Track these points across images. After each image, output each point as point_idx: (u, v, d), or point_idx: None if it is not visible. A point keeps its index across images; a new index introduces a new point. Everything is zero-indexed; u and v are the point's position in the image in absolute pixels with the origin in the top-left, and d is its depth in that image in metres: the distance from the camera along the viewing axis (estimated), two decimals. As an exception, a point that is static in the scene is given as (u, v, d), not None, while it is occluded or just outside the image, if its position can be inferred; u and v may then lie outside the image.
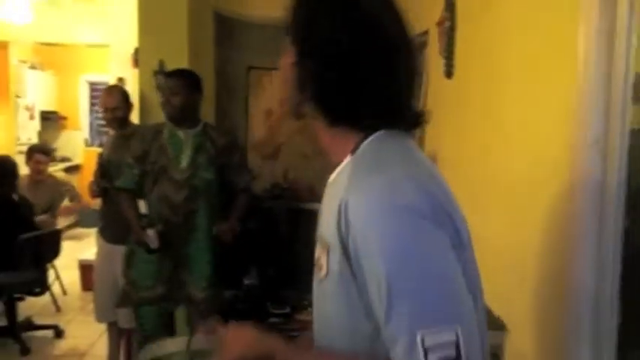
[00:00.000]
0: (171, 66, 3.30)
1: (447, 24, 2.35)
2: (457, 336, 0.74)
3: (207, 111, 3.22)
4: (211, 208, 2.71)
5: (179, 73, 2.69)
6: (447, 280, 0.79)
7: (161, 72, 2.68)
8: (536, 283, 1.62)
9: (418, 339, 0.74)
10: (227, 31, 3.61)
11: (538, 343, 1.62)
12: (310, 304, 3.11)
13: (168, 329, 2.80)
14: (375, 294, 0.78)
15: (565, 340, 1.41)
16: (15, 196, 3.89)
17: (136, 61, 3.83)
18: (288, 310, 3.25)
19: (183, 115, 2.63)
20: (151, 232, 2.59)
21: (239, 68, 3.67)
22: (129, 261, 2.77)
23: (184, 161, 2.65)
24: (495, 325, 1.79)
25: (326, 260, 0.86)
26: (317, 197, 3.51)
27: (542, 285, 1.60)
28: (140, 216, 2.72)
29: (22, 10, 5.21)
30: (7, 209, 3.76)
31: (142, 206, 2.70)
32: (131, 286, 2.74)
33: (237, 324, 0.92)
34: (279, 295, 3.31)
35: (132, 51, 4.37)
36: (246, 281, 3.27)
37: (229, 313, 3.15)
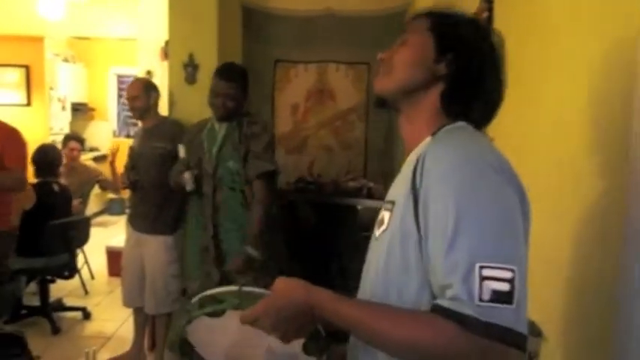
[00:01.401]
0: (200, 59, 3.37)
1: (485, 15, 2.30)
2: (513, 275, 0.78)
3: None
4: (241, 197, 2.69)
5: (235, 78, 2.67)
6: (512, 225, 0.83)
7: (216, 72, 2.67)
8: (578, 286, 1.54)
9: (477, 267, 0.78)
10: (255, 24, 3.66)
11: (578, 351, 1.53)
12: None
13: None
14: (439, 232, 0.83)
15: (613, 351, 1.31)
16: (55, 185, 4.03)
17: (166, 54, 3.90)
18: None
19: (233, 114, 2.68)
20: (187, 175, 2.70)
21: (266, 61, 3.71)
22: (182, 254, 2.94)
23: (214, 151, 2.70)
24: (530, 331, 1.74)
25: (389, 216, 0.95)
26: (341, 191, 3.56)
27: (584, 288, 1.51)
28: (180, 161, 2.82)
29: (57, 6, 5.35)
30: (48, 195, 3.89)
31: (181, 150, 2.78)
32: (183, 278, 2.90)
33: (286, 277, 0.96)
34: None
35: (160, 44, 4.46)
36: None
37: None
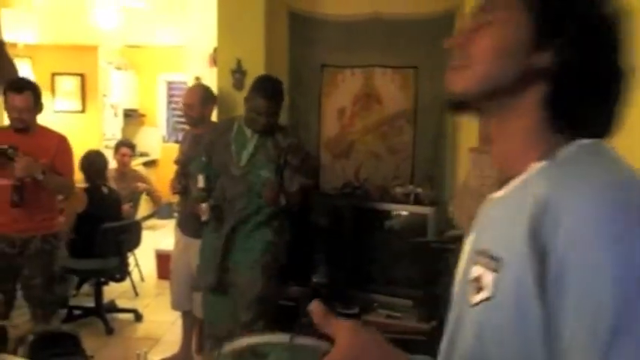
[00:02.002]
0: (247, 65, 3.41)
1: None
2: None
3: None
4: (267, 207, 2.74)
5: (277, 96, 2.71)
6: None
7: (257, 90, 2.69)
8: None
9: None
10: (301, 29, 3.67)
11: None
12: (381, 306, 3.12)
13: (232, 317, 2.84)
14: (584, 331, 0.59)
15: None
16: (105, 189, 4.15)
17: (214, 60, 3.96)
18: (356, 310, 3.27)
19: (268, 126, 2.71)
20: (204, 206, 2.74)
21: (312, 66, 3.71)
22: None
23: (244, 158, 2.72)
24: None
25: (492, 279, 0.67)
26: (388, 197, 3.51)
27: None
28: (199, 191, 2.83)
29: (111, 17, 5.54)
30: (97, 200, 4.01)
31: (200, 180, 2.80)
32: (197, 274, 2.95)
33: (355, 322, 0.71)
34: (347, 295, 3.33)
35: (209, 51, 4.54)
36: (315, 279, 3.31)
37: (296, 310, 3.21)
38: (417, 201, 3.35)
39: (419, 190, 3.41)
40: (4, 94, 2.98)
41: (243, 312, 2.76)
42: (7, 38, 4.01)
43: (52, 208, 3.17)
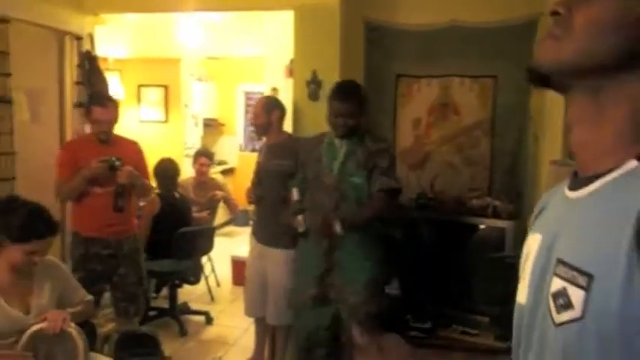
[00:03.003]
0: (323, 75, 3.44)
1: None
2: None
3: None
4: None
5: (352, 96, 2.69)
6: None
7: (333, 94, 2.70)
8: None
9: None
10: (377, 39, 3.66)
11: None
12: (456, 322, 3.02)
13: (328, 331, 2.82)
14: None
15: None
16: (176, 194, 4.33)
17: (290, 71, 4.03)
18: (429, 325, 3.19)
19: (353, 131, 2.70)
20: (299, 218, 2.75)
21: (388, 76, 3.69)
22: (295, 266, 3.00)
23: (335, 167, 2.73)
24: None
25: (582, 298, 0.59)
26: (464, 209, 3.42)
27: None
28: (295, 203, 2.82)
29: (193, 31, 5.79)
30: (169, 205, 4.19)
31: (295, 194, 2.80)
32: (293, 290, 2.95)
33: (394, 338, 0.73)
34: (421, 308, 3.26)
35: (286, 62, 4.62)
36: (387, 290, 3.27)
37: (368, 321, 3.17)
38: (495, 214, 3.24)
39: (497, 202, 3.30)
40: (88, 107, 3.18)
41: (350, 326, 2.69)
42: (100, 53, 4.27)
43: (134, 210, 3.40)
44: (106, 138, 3.13)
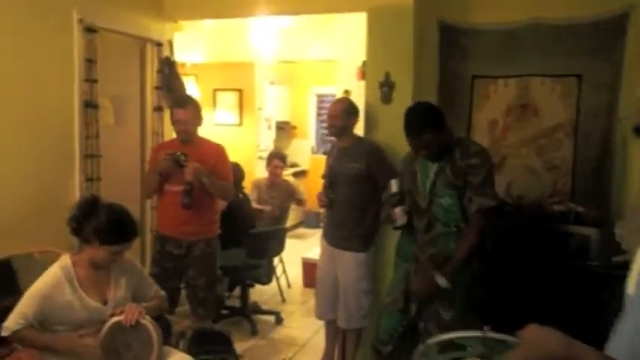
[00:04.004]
0: (396, 77, 3.38)
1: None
2: None
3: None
4: (456, 235, 2.58)
5: (426, 125, 2.53)
6: None
7: (405, 129, 2.58)
8: None
9: None
10: (452, 39, 3.56)
11: None
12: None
13: (407, 341, 2.75)
14: None
15: None
16: (240, 195, 4.45)
17: (363, 73, 4.00)
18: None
19: (441, 153, 2.58)
20: (397, 210, 2.70)
21: (463, 78, 3.58)
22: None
23: (427, 187, 2.62)
24: None
25: None
26: (544, 215, 3.23)
27: None
28: (391, 196, 2.78)
29: (266, 35, 5.91)
30: (234, 203, 4.29)
31: (393, 185, 2.76)
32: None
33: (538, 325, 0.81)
34: (498, 319, 3.12)
35: (358, 64, 4.60)
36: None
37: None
38: (578, 221, 3.07)
39: (580, 209, 3.12)
40: (171, 109, 3.30)
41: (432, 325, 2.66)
42: (179, 59, 4.43)
43: (213, 214, 3.40)
44: (186, 138, 3.21)
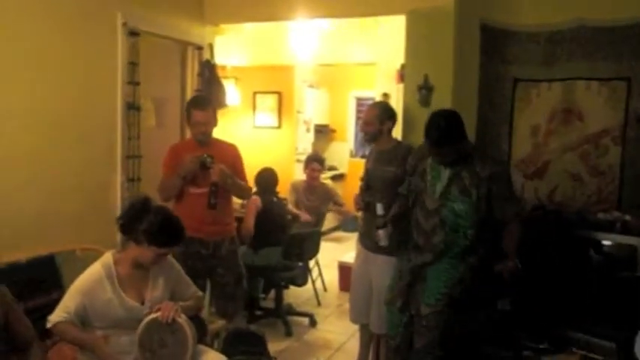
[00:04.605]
0: (435, 80, 3.33)
1: None
2: None
3: (469, 124, 3.16)
4: (463, 240, 2.66)
5: (451, 139, 2.56)
6: None
7: (431, 145, 2.61)
8: None
9: None
10: (494, 42, 3.49)
11: None
12: (576, 345, 2.79)
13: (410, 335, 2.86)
14: None
15: None
16: (274, 198, 4.48)
17: (401, 76, 3.97)
18: (545, 345, 2.97)
19: (458, 159, 2.62)
20: (380, 232, 2.82)
21: (505, 80, 3.50)
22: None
23: (438, 191, 2.65)
24: None
25: None
26: (588, 223, 3.15)
27: None
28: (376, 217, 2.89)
29: (306, 38, 5.93)
30: (268, 204, 4.36)
31: (378, 208, 2.86)
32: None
33: None
34: (536, 326, 3.04)
35: (397, 67, 4.57)
36: (499, 306, 3.09)
37: (476, 336, 3.02)
38: (625, 230, 2.95)
39: (627, 217, 3.00)
40: (187, 110, 3.31)
41: (419, 336, 2.76)
42: (219, 62, 4.49)
43: (232, 213, 3.48)
44: (204, 140, 3.24)
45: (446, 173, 2.63)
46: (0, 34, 2.77)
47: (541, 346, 3.00)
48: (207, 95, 4.14)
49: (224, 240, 3.31)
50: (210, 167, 3.09)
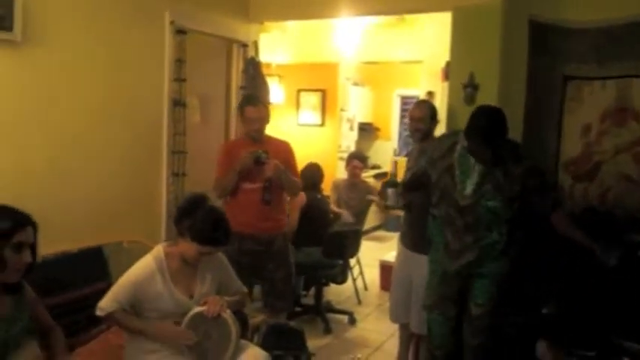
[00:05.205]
0: (480, 78, 3.27)
1: None
2: None
3: (515, 124, 3.08)
4: (497, 238, 2.61)
5: (483, 138, 2.48)
6: None
7: (467, 129, 2.53)
8: None
9: None
10: (543, 38, 3.38)
11: None
12: (629, 355, 2.69)
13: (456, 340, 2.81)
14: None
15: None
16: (318, 194, 4.48)
17: (447, 74, 3.91)
18: (593, 353, 2.87)
19: (494, 159, 2.54)
20: (390, 190, 2.75)
21: (554, 78, 3.38)
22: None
23: (469, 188, 2.57)
24: None
25: None
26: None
27: None
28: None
29: (351, 36, 5.92)
30: (312, 201, 4.36)
31: (390, 196, 2.82)
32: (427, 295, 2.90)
33: None
34: (584, 333, 2.93)
35: (442, 65, 4.50)
36: (544, 310, 3.00)
37: (518, 341, 2.94)
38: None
39: (685, 222, 2.86)
40: (240, 108, 3.36)
41: (471, 337, 2.73)
42: (264, 59, 4.54)
43: (285, 210, 3.51)
44: (257, 136, 3.28)
45: (477, 170, 2.54)
46: (55, 34, 2.87)
47: (589, 354, 2.89)
48: (252, 93, 4.19)
49: (277, 236, 3.35)
50: (264, 163, 3.13)
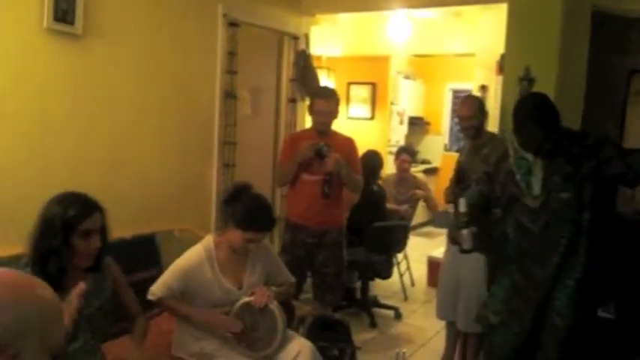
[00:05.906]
0: (537, 72, 3.15)
1: None
2: None
3: (574, 119, 2.96)
4: (572, 229, 2.35)
5: (546, 123, 2.34)
6: None
7: (525, 119, 2.37)
8: None
9: None
10: (607, 30, 3.23)
11: None
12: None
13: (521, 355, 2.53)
14: None
15: None
16: (375, 186, 4.39)
17: (501, 67, 3.79)
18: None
19: (554, 149, 2.37)
20: (465, 232, 2.48)
21: (618, 72, 3.24)
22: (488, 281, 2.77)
23: (536, 186, 2.39)
24: None
25: None
26: None
27: None
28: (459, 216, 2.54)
29: (402, 28, 5.83)
30: (366, 196, 4.26)
31: (461, 205, 2.53)
32: (483, 306, 2.67)
33: None
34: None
35: (496, 58, 4.37)
36: (602, 314, 2.89)
37: (573, 347, 2.82)
38: None
39: None
40: (312, 99, 3.36)
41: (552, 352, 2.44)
42: (314, 52, 4.53)
43: (343, 204, 3.48)
44: (324, 130, 3.28)
45: (538, 165, 2.39)
46: (113, 28, 2.96)
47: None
48: (302, 85, 4.20)
49: (331, 230, 3.34)
50: (326, 156, 3.13)
